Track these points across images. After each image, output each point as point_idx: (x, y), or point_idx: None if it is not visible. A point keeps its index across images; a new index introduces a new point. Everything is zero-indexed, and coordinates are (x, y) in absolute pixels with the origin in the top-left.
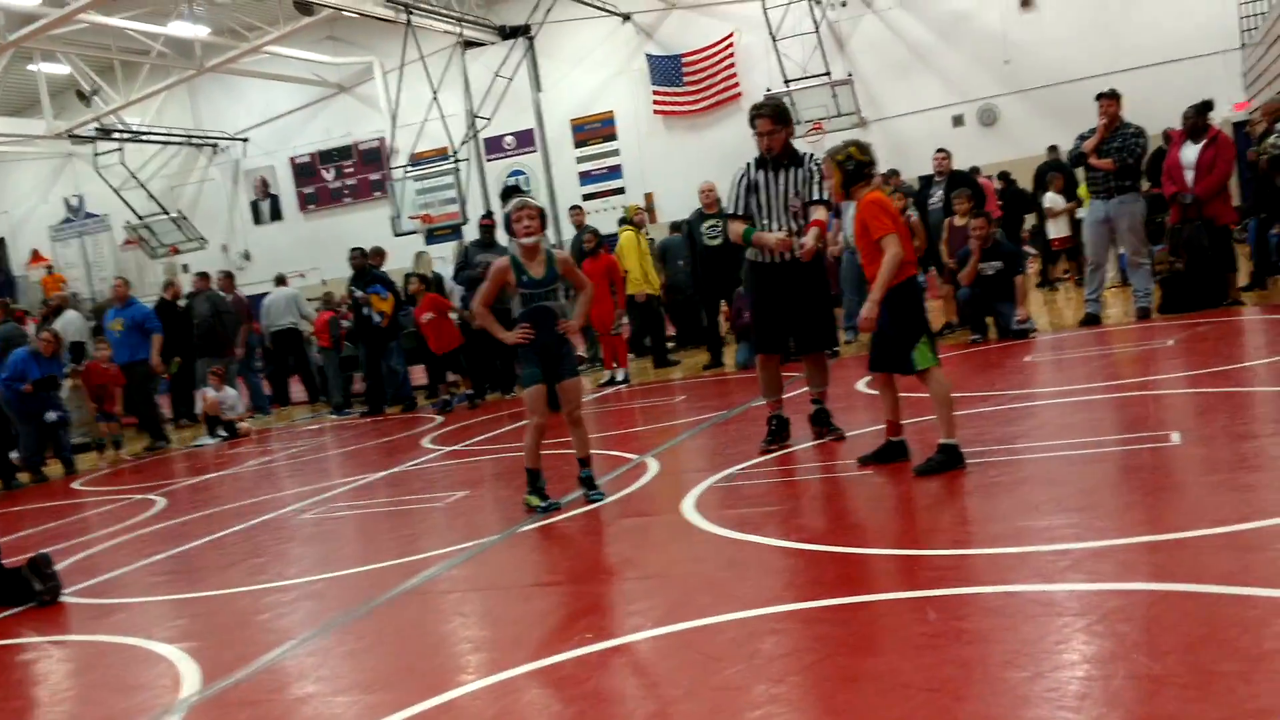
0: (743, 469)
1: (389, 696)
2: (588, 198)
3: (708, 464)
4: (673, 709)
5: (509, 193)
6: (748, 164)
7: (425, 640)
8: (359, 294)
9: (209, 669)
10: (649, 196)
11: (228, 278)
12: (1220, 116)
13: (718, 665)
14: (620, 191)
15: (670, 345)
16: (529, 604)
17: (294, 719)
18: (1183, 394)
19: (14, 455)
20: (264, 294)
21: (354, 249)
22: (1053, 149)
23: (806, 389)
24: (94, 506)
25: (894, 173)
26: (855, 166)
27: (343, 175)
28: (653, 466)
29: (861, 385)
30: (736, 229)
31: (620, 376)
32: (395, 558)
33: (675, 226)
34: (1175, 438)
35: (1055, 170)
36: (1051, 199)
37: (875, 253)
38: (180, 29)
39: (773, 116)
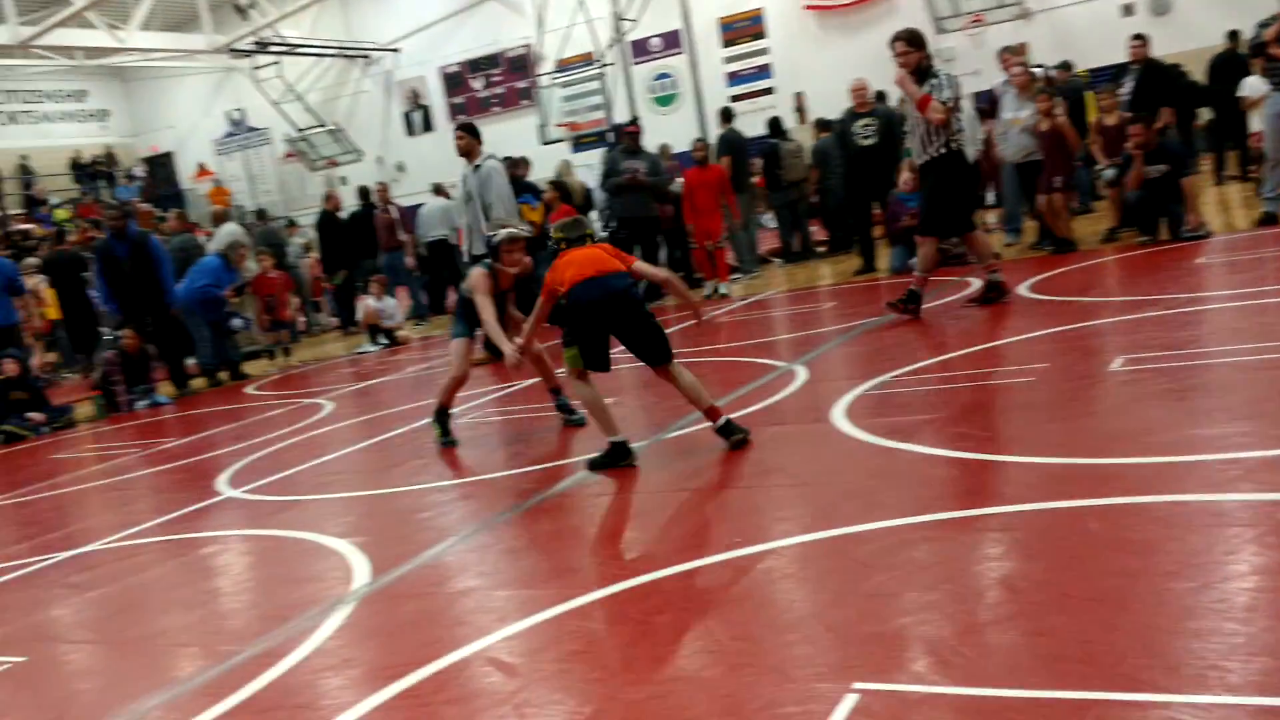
0: (895, 376)
1: (547, 591)
2: (736, 99)
3: (859, 371)
4: (823, 613)
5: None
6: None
7: (579, 539)
8: None
9: (377, 563)
10: (799, 96)
11: (383, 188)
12: None
13: (867, 571)
14: (769, 91)
15: (821, 251)
16: (677, 509)
17: (456, 610)
18: None
19: (189, 361)
20: (420, 204)
21: (504, 158)
22: (1233, 34)
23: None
24: (267, 410)
25: (1065, 65)
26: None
27: (491, 84)
28: (801, 374)
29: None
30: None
31: (723, 289)
32: (550, 461)
33: (824, 125)
34: None
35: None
36: (1252, 85)
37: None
38: None
39: (908, 40)
